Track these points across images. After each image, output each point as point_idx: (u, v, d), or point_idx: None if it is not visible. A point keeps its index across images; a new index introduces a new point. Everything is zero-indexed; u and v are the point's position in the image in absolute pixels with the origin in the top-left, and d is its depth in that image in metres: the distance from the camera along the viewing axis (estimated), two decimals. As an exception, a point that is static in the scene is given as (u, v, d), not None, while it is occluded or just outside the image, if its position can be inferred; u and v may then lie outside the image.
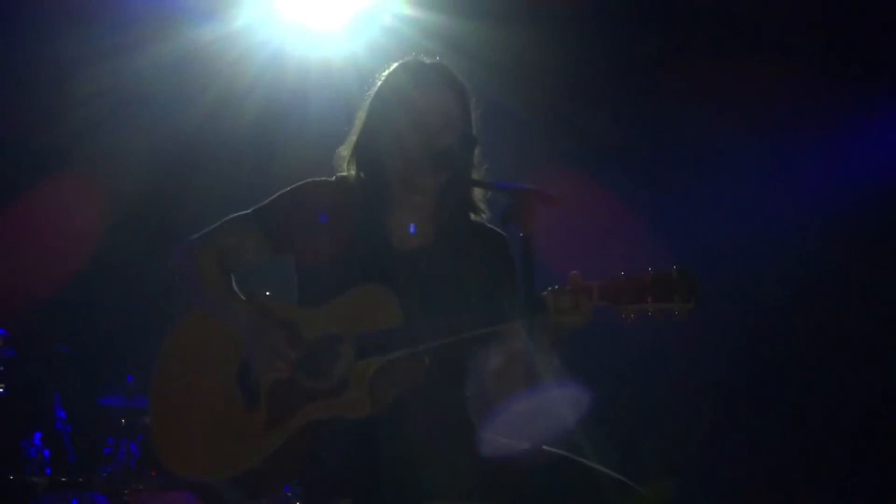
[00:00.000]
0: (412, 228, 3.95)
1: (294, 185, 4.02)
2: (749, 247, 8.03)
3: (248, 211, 4.01)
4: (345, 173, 4.04)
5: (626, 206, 7.97)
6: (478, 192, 4.04)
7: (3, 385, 7.77)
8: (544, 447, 3.42)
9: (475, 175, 3.97)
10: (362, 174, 4.00)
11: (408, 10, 7.90)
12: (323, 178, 4.05)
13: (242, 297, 3.92)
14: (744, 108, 7.98)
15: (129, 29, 7.97)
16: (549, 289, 3.61)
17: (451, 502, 3.74)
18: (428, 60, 4.03)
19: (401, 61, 4.05)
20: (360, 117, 4.04)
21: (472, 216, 4.06)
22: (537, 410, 3.50)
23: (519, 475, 3.63)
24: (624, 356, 7.91)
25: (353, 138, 4.05)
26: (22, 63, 8.15)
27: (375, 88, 4.02)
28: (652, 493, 3.67)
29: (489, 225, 4.08)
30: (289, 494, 7.05)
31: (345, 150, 4.06)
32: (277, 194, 4.02)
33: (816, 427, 7.88)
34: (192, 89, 8.21)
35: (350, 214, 3.94)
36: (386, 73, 4.03)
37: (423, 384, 3.79)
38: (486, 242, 4.05)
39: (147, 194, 8.53)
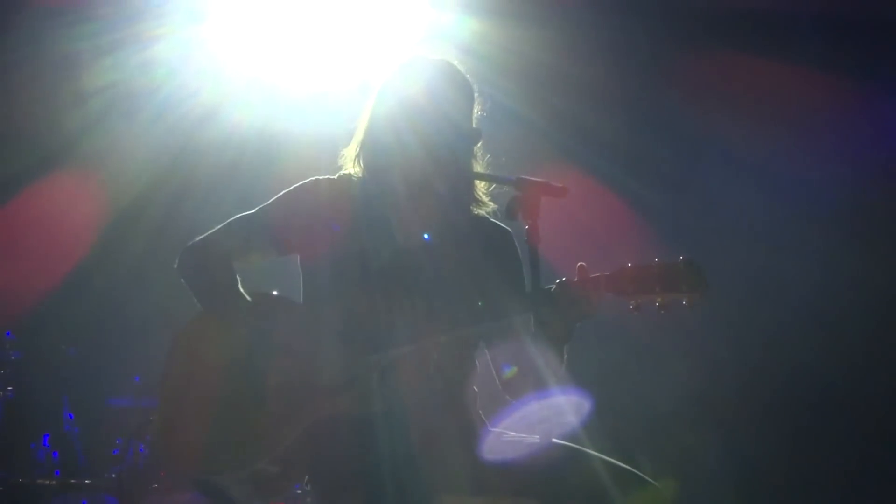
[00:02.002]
0: (426, 237, 3.95)
1: (298, 184, 4.01)
2: (751, 242, 8.01)
3: (252, 211, 4.01)
4: (348, 171, 4.03)
5: (629, 203, 7.97)
6: (480, 186, 4.03)
7: (10, 387, 7.77)
8: (554, 440, 3.42)
9: (478, 168, 3.97)
10: (366, 172, 3.99)
11: (414, 9, 7.87)
12: (325, 177, 4.04)
13: (248, 297, 3.92)
14: (746, 104, 7.97)
15: (129, 25, 7.97)
16: (557, 281, 3.61)
17: (461, 497, 3.74)
18: (431, 57, 4.02)
19: (404, 58, 4.04)
20: (364, 115, 4.03)
21: (477, 210, 4.05)
22: (542, 415, 3.50)
23: (528, 469, 3.62)
24: (626, 355, 7.92)
25: (357, 137, 4.04)
26: (23, 59, 8.14)
27: (379, 85, 4.01)
28: (663, 487, 3.67)
29: (493, 220, 4.07)
30: (299, 492, 7.05)
31: (350, 149, 4.06)
32: (281, 193, 4.01)
33: (823, 418, 7.87)
34: (193, 85, 8.20)
35: (354, 213, 3.94)
36: (389, 69, 4.03)
37: (431, 380, 3.80)
38: (491, 237, 4.05)
39: (150, 191, 8.52)
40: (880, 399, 7.71)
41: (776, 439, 7.86)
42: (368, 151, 3.98)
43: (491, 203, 4.04)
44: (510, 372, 3.93)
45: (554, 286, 3.61)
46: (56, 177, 8.43)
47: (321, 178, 4.03)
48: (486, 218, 4.07)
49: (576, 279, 3.62)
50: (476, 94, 4.02)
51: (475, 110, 4.01)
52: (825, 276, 7.76)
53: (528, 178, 3.48)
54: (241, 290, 3.92)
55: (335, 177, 4.04)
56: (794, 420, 7.87)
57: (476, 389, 4.01)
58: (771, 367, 7.96)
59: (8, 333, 7.87)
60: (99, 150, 8.41)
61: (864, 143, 8.00)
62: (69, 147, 8.38)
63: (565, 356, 3.78)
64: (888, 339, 7.73)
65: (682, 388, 7.94)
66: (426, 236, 3.95)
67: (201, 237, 4.00)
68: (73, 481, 7.50)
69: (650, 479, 3.67)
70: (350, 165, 4.04)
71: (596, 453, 3.72)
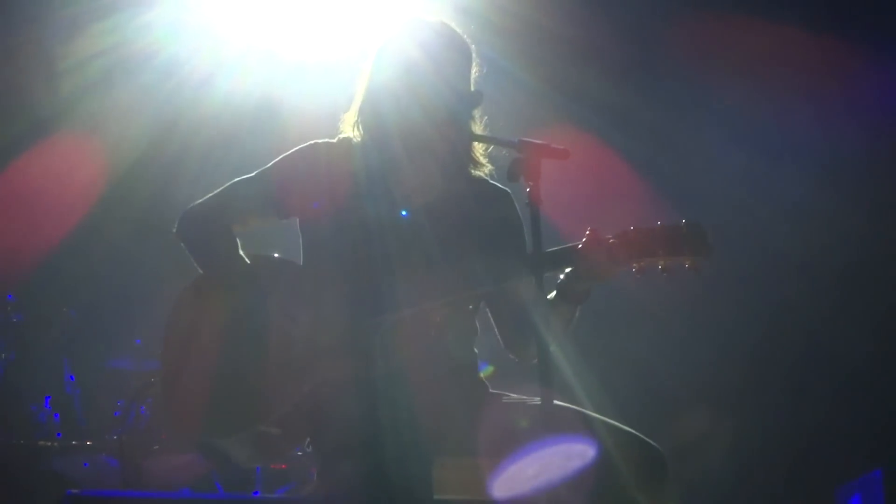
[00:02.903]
0: (404, 213, 3.95)
1: (297, 148, 4.01)
2: (750, 204, 7.99)
3: (252, 174, 4.00)
4: (348, 134, 4.03)
5: (629, 165, 7.95)
6: (479, 147, 4.02)
7: (12, 350, 7.78)
8: (556, 402, 3.42)
9: (476, 130, 3.96)
10: (366, 136, 3.98)
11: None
12: (324, 140, 4.04)
13: (248, 260, 3.92)
14: (746, 63, 7.93)
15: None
16: (570, 245, 3.64)
17: (462, 460, 3.75)
18: (429, 19, 4.01)
19: (401, 21, 4.02)
20: (363, 78, 4.02)
21: (475, 172, 4.05)
22: (544, 463, 3.51)
23: (528, 430, 3.63)
24: (628, 324, 7.92)
25: (356, 99, 4.03)
26: (19, 23, 8.11)
27: (377, 48, 4.00)
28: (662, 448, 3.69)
29: (492, 181, 4.07)
30: (300, 454, 7.07)
31: (349, 114, 4.05)
32: (280, 157, 4.01)
33: (819, 386, 7.87)
34: (192, 49, 8.17)
35: (354, 175, 3.94)
36: (387, 32, 4.01)
37: (433, 342, 3.80)
38: (491, 198, 4.06)
39: (149, 154, 8.50)
40: (892, 360, 7.71)
41: (785, 404, 7.87)
42: (367, 115, 3.98)
43: (489, 165, 4.04)
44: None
45: (573, 248, 3.65)
46: (55, 140, 8.41)
47: (320, 141, 4.03)
48: (486, 180, 4.08)
49: (584, 242, 3.64)
50: (474, 56, 4.01)
51: (474, 72, 4.00)
52: (829, 238, 7.75)
53: (529, 140, 3.46)
54: (241, 253, 3.92)
55: (334, 140, 4.03)
56: (802, 385, 7.87)
57: (477, 352, 4.02)
58: (777, 331, 7.96)
59: (10, 296, 7.88)
60: (97, 114, 8.39)
61: (865, 102, 7.97)
62: (68, 110, 8.36)
63: (577, 315, 3.81)
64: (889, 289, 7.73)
65: (685, 354, 7.95)
66: (404, 213, 3.95)
67: (200, 201, 4.00)
68: (74, 443, 7.52)
69: (650, 441, 3.68)
70: (349, 130, 4.03)
71: (597, 415, 3.73)
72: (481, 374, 4.00)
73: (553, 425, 3.26)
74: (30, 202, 8.57)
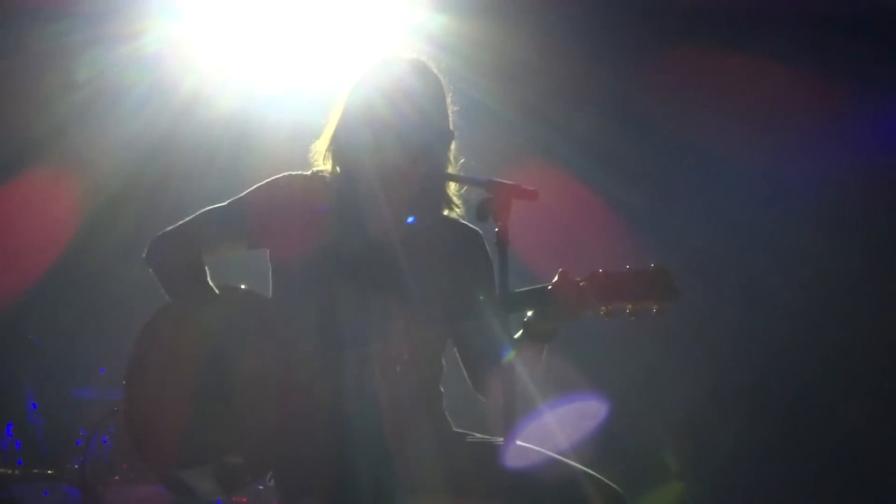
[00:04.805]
0: (411, 219, 3.95)
1: (270, 179, 4.00)
2: (731, 245, 8.00)
3: (224, 203, 3.99)
4: (321, 169, 4.03)
5: (607, 204, 7.95)
6: (452, 187, 4.04)
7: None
8: (520, 443, 3.42)
9: (451, 169, 3.98)
10: (338, 169, 3.99)
11: (391, 6, 7.88)
12: (299, 172, 4.03)
13: (216, 290, 3.90)
14: (729, 105, 7.96)
15: (105, 22, 7.96)
16: (542, 285, 3.63)
17: (432, 497, 3.73)
18: (405, 56, 4.02)
19: (378, 57, 4.03)
20: (337, 111, 4.02)
21: (447, 212, 4.06)
22: (560, 422, 3.51)
23: (494, 469, 3.61)
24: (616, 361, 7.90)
25: (328, 132, 4.03)
26: (1, 55, 8.12)
27: (352, 83, 4.01)
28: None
29: (463, 221, 4.08)
30: (261, 488, 7.03)
31: (320, 145, 4.05)
32: (253, 188, 3.99)
33: (812, 434, 7.89)
34: (168, 83, 8.18)
35: (327, 209, 3.93)
36: (362, 67, 4.02)
37: (403, 378, 3.79)
38: (462, 237, 4.07)
39: (122, 187, 8.51)
40: (886, 396, 7.74)
41: (785, 441, 7.88)
42: (341, 145, 3.98)
43: (460, 206, 4.05)
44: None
45: (543, 289, 3.64)
46: (31, 173, 8.42)
47: (293, 172, 4.03)
48: (457, 220, 4.08)
49: (554, 283, 3.64)
50: (450, 94, 4.02)
51: (450, 111, 4.01)
52: (824, 282, 7.76)
53: (498, 180, 3.47)
54: (210, 282, 3.90)
55: (307, 172, 4.03)
56: (797, 420, 7.89)
57: (443, 390, 4.02)
58: (768, 378, 7.97)
59: (-27, 324, 7.86)
60: (76, 146, 8.39)
61: (859, 144, 7.99)
62: (45, 143, 8.37)
63: (544, 354, 3.80)
64: (890, 338, 7.75)
65: (683, 392, 7.93)
66: (411, 219, 3.95)
67: (172, 227, 3.97)
68: (35, 471, 7.47)
69: (610, 483, 3.67)
70: (320, 160, 4.03)
71: (562, 458, 3.72)
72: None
73: (516, 465, 3.25)
74: (5, 236, 8.55)
